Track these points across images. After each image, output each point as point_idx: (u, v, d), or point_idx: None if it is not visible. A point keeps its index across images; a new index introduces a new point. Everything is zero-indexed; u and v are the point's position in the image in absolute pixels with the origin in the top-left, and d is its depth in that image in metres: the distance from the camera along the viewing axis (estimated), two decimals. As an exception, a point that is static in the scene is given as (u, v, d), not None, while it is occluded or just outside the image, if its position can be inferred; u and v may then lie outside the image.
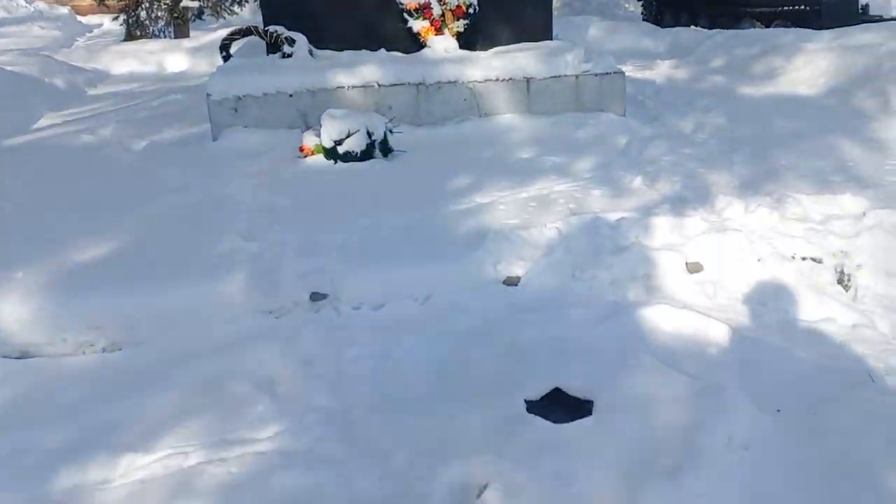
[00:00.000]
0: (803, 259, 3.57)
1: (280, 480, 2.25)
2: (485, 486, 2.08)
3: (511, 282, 3.42)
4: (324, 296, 3.33)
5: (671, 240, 3.57)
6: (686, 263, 3.45)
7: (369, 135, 5.06)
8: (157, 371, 2.86)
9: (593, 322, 3.07)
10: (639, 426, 2.31)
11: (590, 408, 2.41)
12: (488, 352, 2.83)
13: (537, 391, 2.53)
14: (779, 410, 2.51)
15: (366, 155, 5.03)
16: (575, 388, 2.52)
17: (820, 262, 3.57)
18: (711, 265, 3.44)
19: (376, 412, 2.57)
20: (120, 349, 3.08)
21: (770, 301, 3.30)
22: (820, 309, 3.28)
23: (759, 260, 3.46)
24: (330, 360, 2.88)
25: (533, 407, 2.45)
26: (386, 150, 5.15)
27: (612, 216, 3.75)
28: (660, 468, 2.16)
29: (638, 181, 4.34)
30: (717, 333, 2.91)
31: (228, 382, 2.73)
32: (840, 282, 3.54)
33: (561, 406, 2.46)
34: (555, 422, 2.36)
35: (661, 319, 2.97)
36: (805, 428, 2.39)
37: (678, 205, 3.91)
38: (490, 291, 3.37)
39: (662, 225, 3.65)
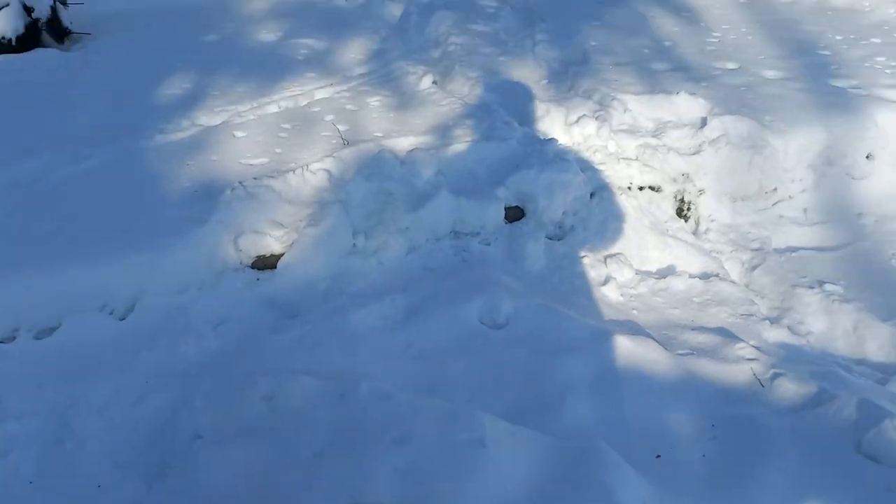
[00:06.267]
0: (640, 189, 2.82)
1: None
2: None
3: (264, 264, 2.28)
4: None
5: (483, 177, 2.61)
6: (505, 210, 2.54)
7: (27, 9, 3.39)
8: None
9: (391, 329, 2.08)
10: None
11: None
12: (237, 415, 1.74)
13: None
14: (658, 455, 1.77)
15: (27, 41, 3.38)
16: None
17: (659, 190, 2.85)
18: (536, 209, 2.56)
19: None
20: None
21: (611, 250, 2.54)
22: (664, 255, 2.60)
23: (592, 195, 2.64)
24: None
25: None
26: (60, 32, 3.52)
27: (401, 143, 2.67)
28: None
29: (426, 81, 3.24)
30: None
31: None
32: (680, 212, 2.87)
33: None
34: None
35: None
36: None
37: (484, 118, 2.90)
38: (231, 286, 2.21)
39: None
